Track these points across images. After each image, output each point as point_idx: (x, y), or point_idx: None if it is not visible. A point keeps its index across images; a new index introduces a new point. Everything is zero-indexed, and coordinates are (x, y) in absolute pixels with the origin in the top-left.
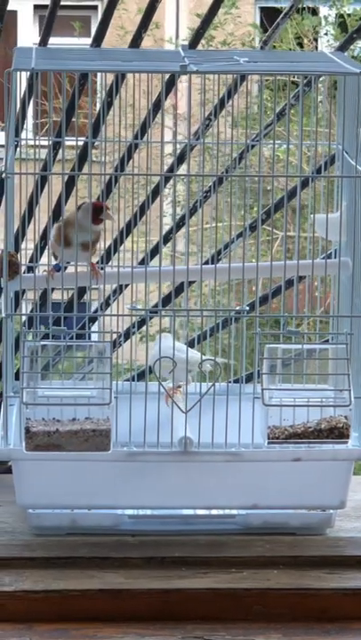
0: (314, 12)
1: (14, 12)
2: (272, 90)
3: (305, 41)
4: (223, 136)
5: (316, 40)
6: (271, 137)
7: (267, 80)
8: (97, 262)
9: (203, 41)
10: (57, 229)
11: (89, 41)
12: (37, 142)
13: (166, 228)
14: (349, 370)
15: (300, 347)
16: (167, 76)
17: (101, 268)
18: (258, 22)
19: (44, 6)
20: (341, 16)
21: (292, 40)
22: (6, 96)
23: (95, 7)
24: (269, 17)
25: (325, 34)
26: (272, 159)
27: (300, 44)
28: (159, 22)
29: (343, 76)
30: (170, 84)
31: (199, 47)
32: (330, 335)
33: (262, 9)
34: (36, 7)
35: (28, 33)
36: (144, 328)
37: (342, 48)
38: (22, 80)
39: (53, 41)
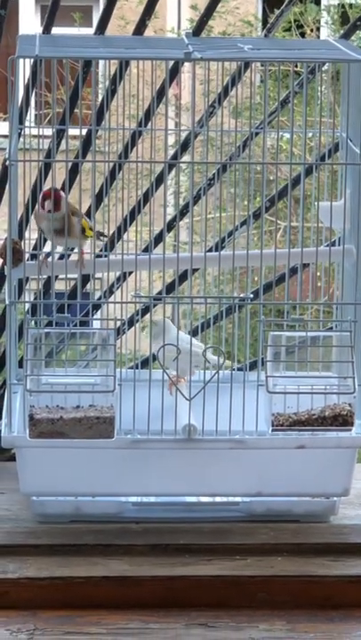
0: (317, 1)
1: (16, 2)
2: (275, 80)
3: (307, 31)
4: (227, 126)
5: (318, 29)
6: (274, 126)
7: (270, 69)
8: (97, 249)
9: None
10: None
11: (90, 31)
12: (41, 131)
13: (170, 218)
14: (353, 357)
15: (304, 334)
16: (171, 63)
17: (105, 256)
18: (260, 12)
19: None
20: (343, 6)
21: (294, 29)
22: (10, 83)
23: None
24: (271, 6)
25: (329, 23)
26: (276, 147)
27: (303, 34)
28: (159, 12)
29: (347, 64)
30: (174, 72)
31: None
32: (334, 323)
33: None
34: None
35: (29, 22)
36: (148, 316)
37: (346, 36)
38: (26, 68)
39: (55, 31)
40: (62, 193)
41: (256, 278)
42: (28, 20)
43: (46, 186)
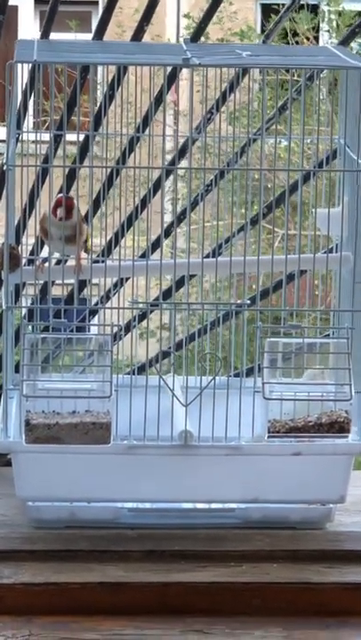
0: (314, 8)
1: (15, 7)
2: (273, 87)
3: (303, 39)
4: (224, 132)
5: (316, 39)
6: (272, 132)
7: (268, 75)
8: (94, 255)
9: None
10: (40, 223)
11: (87, 37)
12: (39, 136)
13: (167, 224)
14: (350, 364)
15: (301, 341)
16: (169, 69)
17: (102, 261)
18: (259, 19)
19: (45, 1)
20: (339, 13)
21: (290, 38)
22: (8, 88)
23: (96, 2)
24: (266, 14)
25: (323, 29)
26: (273, 154)
27: (297, 43)
28: (158, 18)
29: (345, 71)
30: (171, 78)
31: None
32: (331, 330)
33: (263, 5)
34: (37, 2)
35: (28, 28)
36: (145, 322)
37: (344, 42)
38: (24, 73)
39: (53, 37)
40: (74, 201)
41: (254, 286)
42: (27, 26)
43: (44, 191)
